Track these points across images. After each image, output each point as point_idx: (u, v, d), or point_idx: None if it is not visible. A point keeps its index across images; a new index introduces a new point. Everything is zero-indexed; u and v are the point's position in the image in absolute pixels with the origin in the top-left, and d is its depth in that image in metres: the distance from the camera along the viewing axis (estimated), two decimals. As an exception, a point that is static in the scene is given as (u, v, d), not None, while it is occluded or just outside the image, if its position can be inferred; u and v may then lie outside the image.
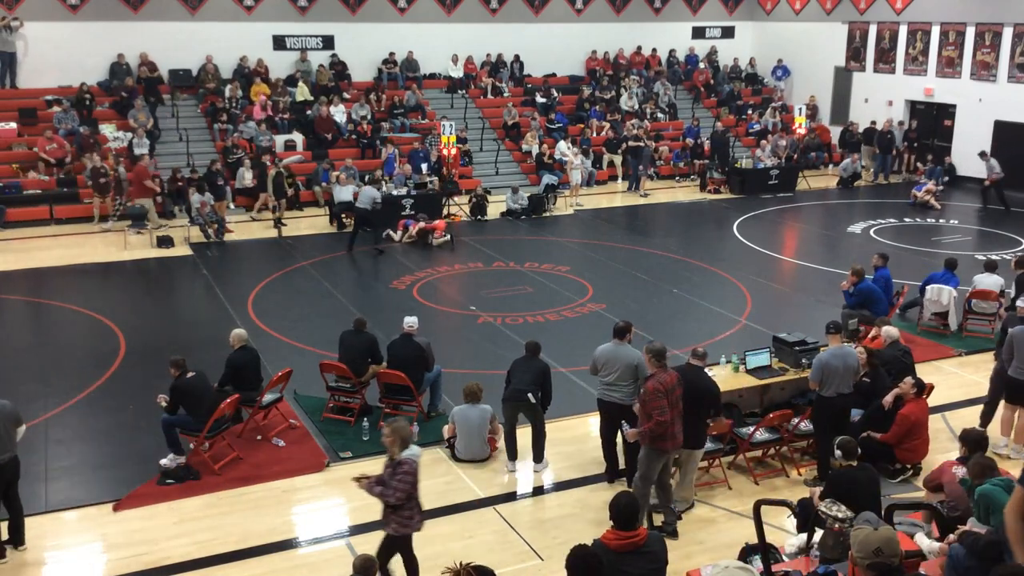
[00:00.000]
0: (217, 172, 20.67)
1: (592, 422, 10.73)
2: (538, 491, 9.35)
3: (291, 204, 21.36)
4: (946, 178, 24.27)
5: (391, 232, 19.21)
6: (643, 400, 8.04)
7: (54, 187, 20.64)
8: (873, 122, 26.18)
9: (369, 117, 24.47)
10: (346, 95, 25.21)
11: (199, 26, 24.36)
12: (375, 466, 9.67)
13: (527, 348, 9.82)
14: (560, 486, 9.37)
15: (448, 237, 18.89)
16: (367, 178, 20.83)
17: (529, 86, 27.61)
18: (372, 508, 8.84)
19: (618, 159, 25.18)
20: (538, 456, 9.62)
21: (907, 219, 21.28)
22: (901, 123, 26.18)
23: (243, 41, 24.81)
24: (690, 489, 8.91)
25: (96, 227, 19.78)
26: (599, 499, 8.92)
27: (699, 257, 17.90)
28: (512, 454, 9.68)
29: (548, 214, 21.79)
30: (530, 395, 9.35)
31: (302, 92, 24.74)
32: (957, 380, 12.03)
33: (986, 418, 10.17)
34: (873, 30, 27.37)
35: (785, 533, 8.14)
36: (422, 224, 19.07)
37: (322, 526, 8.66)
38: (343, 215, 19.87)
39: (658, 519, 8.40)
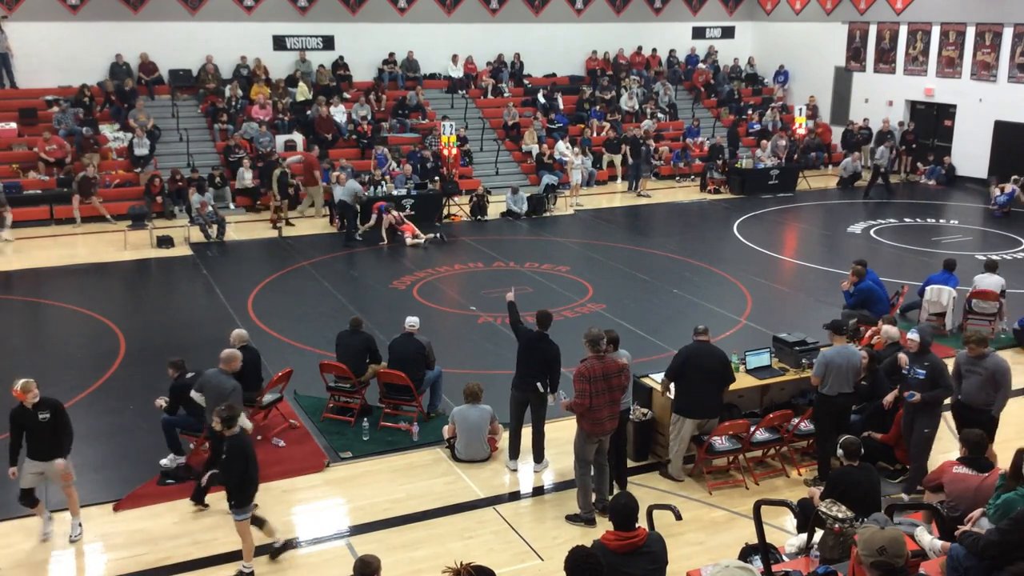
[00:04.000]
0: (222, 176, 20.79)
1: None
2: (538, 491, 9.35)
3: (291, 204, 21.34)
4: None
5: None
6: (573, 379, 8.32)
7: (54, 187, 20.63)
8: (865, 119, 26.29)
9: (369, 117, 24.48)
10: (346, 95, 25.22)
11: (199, 26, 24.37)
12: (375, 466, 9.71)
13: (539, 321, 9.44)
14: (560, 486, 9.36)
15: (420, 240, 18.87)
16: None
17: (529, 86, 27.61)
18: (373, 509, 8.88)
19: (618, 159, 25.18)
20: (538, 456, 9.62)
21: (907, 219, 21.28)
22: (901, 123, 26.19)
23: (243, 41, 24.81)
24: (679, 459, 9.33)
25: (80, 228, 19.77)
26: (599, 499, 8.93)
27: (699, 257, 17.90)
28: (514, 452, 9.68)
29: (548, 214, 21.79)
30: (539, 384, 9.34)
31: (302, 92, 24.75)
32: (957, 380, 12.01)
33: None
34: (873, 30, 27.37)
35: (785, 533, 8.14)
36: (392, 219, 19.02)
37: (322, 526, 8.66)
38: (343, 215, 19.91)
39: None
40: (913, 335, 8.93)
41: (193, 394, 9.02)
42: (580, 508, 8.62)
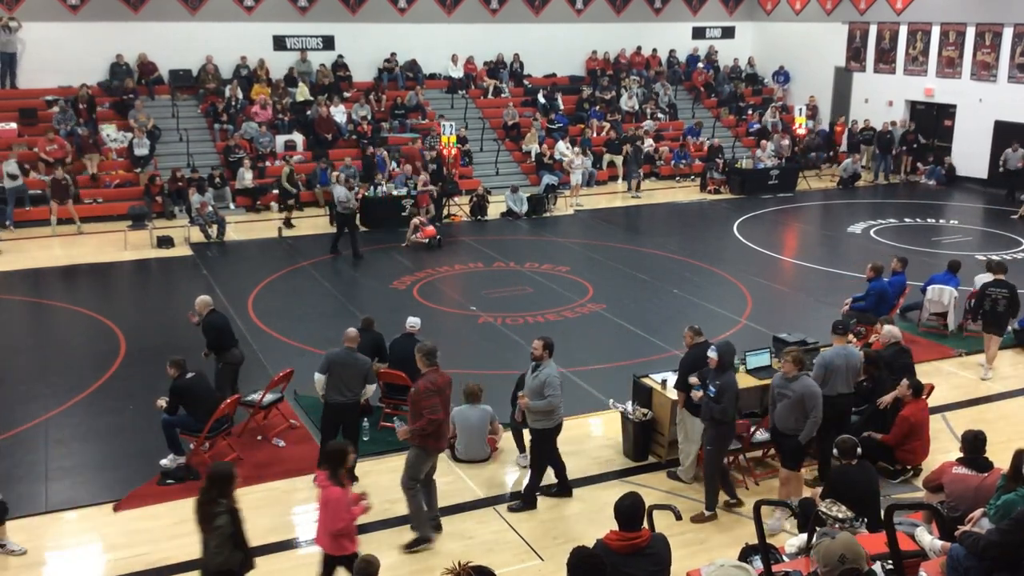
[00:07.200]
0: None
1: (593, 422, 10.74)
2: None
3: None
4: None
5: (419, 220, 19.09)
6: (414, 399, 8.07)
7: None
8: (866, 120, 26.29)
9: (369, 117, 24.48)
10: (346, 95, 25.22)
11: (199, 26, 24.36)
12: (375, 466, 9.70)
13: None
14: (560, 486, 9.37)
15: (426, 241, 18.80)
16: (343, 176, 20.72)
17: (529, 86, 27.61)
18: (373, 509, 8.86)
19: (619, 159, 25.17)
20: None
21: (907, 219, 21.28)
22: (895, 123, 26.12)
23: (243, 41, 24.80)
24: (692, 457, 9.27)
25: (50, 231, 19.41)
26: (599, 499, 8.93)
27: (699, 257, 17.90)
28: (521, 446, 9.73)
29: (548, 214, 21.79)
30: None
31: (302, 92, 24.75)
32: (957, 380, 12.04)
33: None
34: (873, 30, 27.37)
35: (785, 533, 8.14)
36: (418, 222, 18.96)
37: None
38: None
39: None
40: (712, 353, 8.58)
41: (317, 376, 9.02)
42: (417, 531, 8.25)
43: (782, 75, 30.21)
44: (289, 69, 25.17)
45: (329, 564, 6.98)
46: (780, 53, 30.25)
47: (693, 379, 9.04)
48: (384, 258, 18.04)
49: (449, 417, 8.25)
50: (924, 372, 11.14)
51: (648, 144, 25.75)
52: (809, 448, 8.85)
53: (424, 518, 8.27)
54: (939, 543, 6.41)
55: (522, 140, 25.31)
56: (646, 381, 10.05)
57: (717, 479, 8.72)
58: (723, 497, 8.86)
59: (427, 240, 18.59)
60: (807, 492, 8.44)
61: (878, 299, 12.45)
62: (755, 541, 6.71)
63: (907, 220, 21.22)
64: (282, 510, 8.89)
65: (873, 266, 12.64)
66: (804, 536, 6.85)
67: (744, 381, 9.98)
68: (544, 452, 8.94)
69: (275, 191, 21.60)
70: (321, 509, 6.90)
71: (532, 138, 25.03)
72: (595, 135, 26.08)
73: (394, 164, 22.37)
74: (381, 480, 9.42)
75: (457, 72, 27.15)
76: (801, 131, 26.47)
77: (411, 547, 8.18)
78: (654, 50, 29.95)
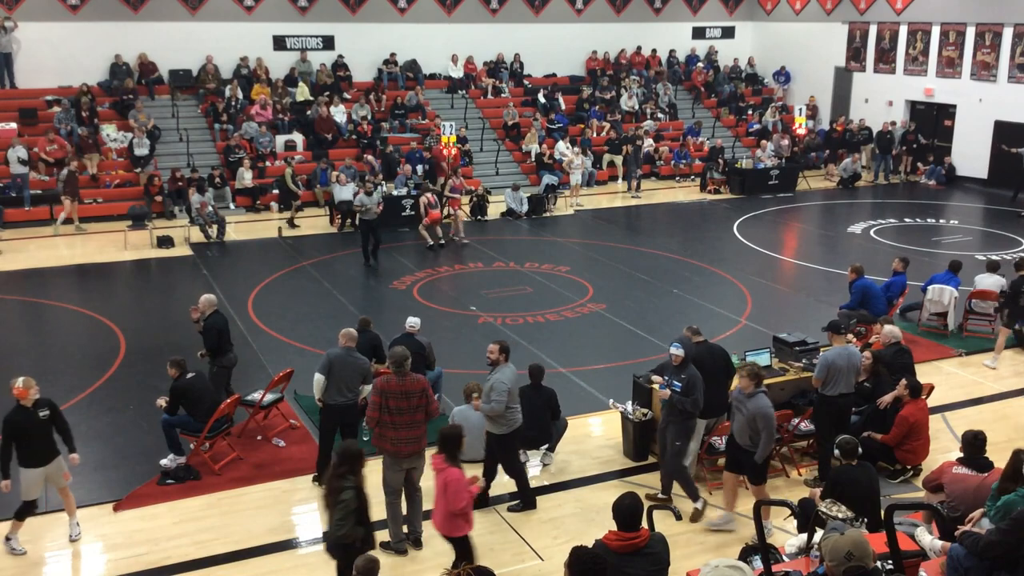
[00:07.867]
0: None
1: (593, 422, 10.74)
2: (538, 491, 9.33)
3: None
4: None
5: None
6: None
7: (54, 187, 20.61)
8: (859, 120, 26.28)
9: (369, 117, 24.48)
10: (346, 95, 25.23)
11: (199, 26, 24.37)
12: (375, 466, 9.67)
13: (531, 375, 9.66)
14: (560, 486, 9.36)
15: (437, 231, 18.70)
16: (366, 177, 20.81)
17: (529, 86, 27.62)
18: (372, 509, 8.85)
19: (619, 159, 25.18)
20: (552, 445, 9.72)
21: (907, 219, 21.28)
22: (902, 123, 26.12)
23: (243, 41, 24.81)
24: (693, 456, 9.16)
25: (51, 230, 19.42)
26: (599, 499, 8.93)
27: (699, 257, 17.90)
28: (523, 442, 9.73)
29: (548, 214, 21.80)
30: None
31: (302, 92, 24.75)
32: (957, 380, 12.04)
33: None
34: (873, 30, 27.37)
35: (785, 533, 8.14)
36: (427, 200, 18.84)
37: (322, 526, 8.65)
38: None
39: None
40: (678, 350, 8.48)
41: (317, 377, 8.93)
42: (391, 537, 8.15)
43: (782, 75, 30.23)
44: (289, 69, 25.20)
45: (462, 546, 7.24)
46: (780, 53, 30.26)
47: (656, 377, 9.10)
48: (384, 258, 18.02)
49: (405, 423, 8.01)
50: (924, 372, 11.15)
51: (648, 144, 25.77)
52: (771, 463, 8.87)
53: (398, 529, 8.17)
54: (939, 543, 6.42)
55: (522, 140, 25.31)
56: (646, 381, 10.05)
57: (688, 471, 8.85)
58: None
59: (429, 245, 18.52)
60: (807, 492, 8.43)
61: (862, 296, 12.57)
62: (755, 541, 6.72)
63: (907, 220, 21.22)
64: (282, 510, 8.88)
65: (853, 267, 12.91)
66: (804, 536, 6.85)
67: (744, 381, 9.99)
68: (503, 460, 8.85)
69: (275, 191, 21.61)
70: (440, 492, 7.12)
71: (532, 138, 25.04)
72: (595, 135, 26.08)
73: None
74: (379, 479, 9.41)
75: (457, 72, 27.16)
76: (801, 131, 26.47)
77: (384, 547, 8.05)
78: (654, 50, 29.96)
